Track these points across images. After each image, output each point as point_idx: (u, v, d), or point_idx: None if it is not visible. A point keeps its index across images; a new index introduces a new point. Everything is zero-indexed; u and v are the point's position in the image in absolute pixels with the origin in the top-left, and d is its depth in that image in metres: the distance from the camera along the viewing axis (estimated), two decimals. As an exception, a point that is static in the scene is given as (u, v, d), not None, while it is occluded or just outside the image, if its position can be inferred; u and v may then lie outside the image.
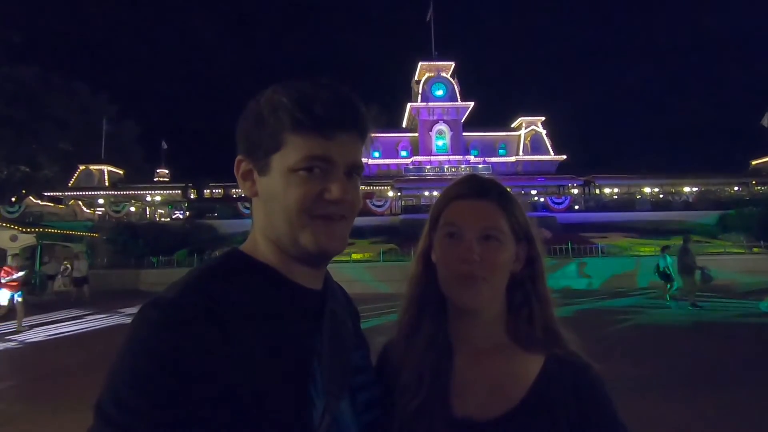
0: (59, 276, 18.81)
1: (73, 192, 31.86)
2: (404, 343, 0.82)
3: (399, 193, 31.00)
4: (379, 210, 26.72)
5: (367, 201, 27.13)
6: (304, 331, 0.64)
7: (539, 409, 0.69)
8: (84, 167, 34.11)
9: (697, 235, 21.81)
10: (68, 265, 18.65)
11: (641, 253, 18.59)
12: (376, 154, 37.19)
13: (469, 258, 0.73)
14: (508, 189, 0.81)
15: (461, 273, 0.74)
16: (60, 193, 31.80)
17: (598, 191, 31.91)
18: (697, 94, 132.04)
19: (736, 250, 18.82)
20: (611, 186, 32.39)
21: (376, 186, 31.64)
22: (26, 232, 20.88)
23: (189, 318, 0.54)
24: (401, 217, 25.91)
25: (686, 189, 31.20)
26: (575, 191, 31.98)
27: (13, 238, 20.96)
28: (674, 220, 24.32)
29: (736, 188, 31.33)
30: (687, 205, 27.81)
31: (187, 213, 27.89)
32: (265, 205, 0.67)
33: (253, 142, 0.66)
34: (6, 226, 21.14)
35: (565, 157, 37.71)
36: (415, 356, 0.78)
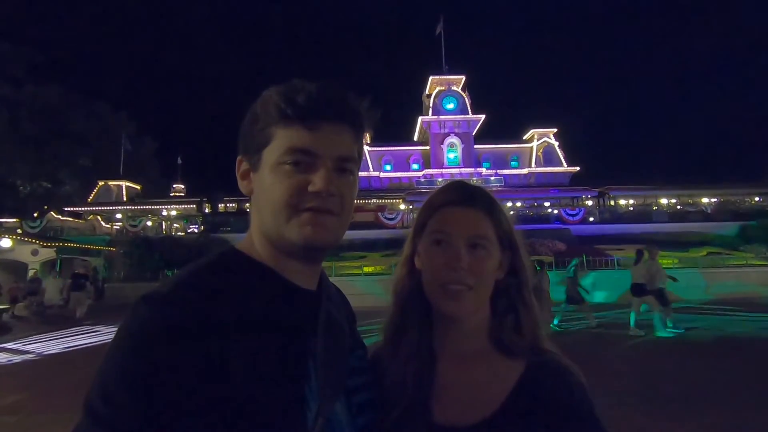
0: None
1: (93, 207, 32.51)
2: (389, 349, 0.82)
3: (411, 206, 30.93)
4: (390, 223, 26.72)
5: (379, 214, 27.21)
6: (299, 330, 0.63)
7: (518, 414, 0.68)
8: (103, 183, 34.77)
9: (717, 246, 21.32)
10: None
11: (659, 266, 18.19)
12: (388, 168, 37.24)
13: (456, 266, 0.73)
14: (496, 197, 0.81)
15: (447, 280, 0.73)
16: (80, 208, 32.51)
17: (613, 203, 31.38)
18: (714, 101, 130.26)
19: (758, 262, 18.29)
20: (626, 197, 31.81)
21: (387, 199, 31.66)
22: (47, 246, 21.41)
23: (179, 314, 0.53)
24: (413, 230, 25.80)
25: (704, 200, 30.49)
26: (589, 203, 31.50)
27: (34, 252, 21.54)
28: (693, 232, 23.77)
29: (757, 198, 30.49)
30: (706, 216, 27.20)
31: (202, 227, 28.26)
32: (256, 201, 0.67)
33: (248, 140, 0.67)
34: (28, 241, 21.73)
35: (578, 168, 37.40)
36: (399, 362, 0.78)
